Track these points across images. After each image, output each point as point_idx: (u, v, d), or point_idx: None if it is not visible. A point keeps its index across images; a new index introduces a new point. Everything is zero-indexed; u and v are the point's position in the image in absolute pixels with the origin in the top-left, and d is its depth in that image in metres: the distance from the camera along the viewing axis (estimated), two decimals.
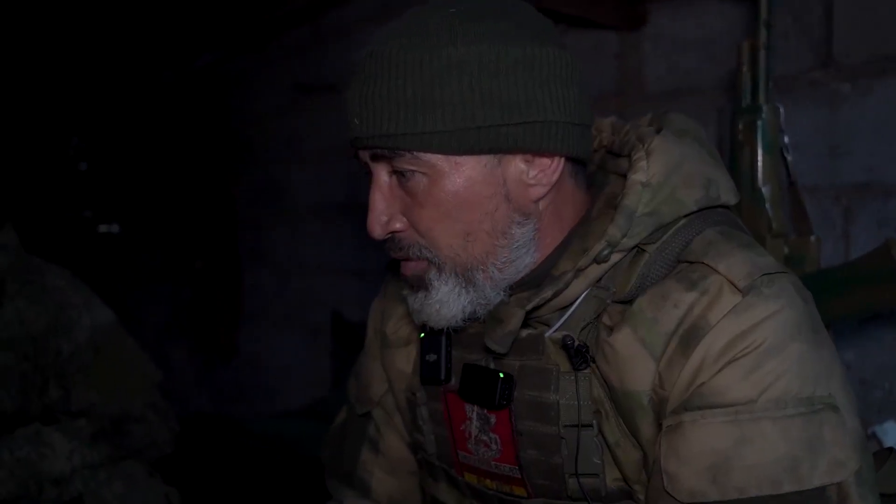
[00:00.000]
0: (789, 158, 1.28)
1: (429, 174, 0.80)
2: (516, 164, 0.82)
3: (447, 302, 0.84)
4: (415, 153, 0.79)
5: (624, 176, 0.91)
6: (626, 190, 0.81)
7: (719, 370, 0.73)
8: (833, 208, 1.71)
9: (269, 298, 4.06)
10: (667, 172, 0.81)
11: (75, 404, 1.58)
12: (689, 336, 0.74)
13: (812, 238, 1.26)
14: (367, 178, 0.87)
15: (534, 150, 0.81)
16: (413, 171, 0.81)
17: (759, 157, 1.25)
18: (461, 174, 0.80)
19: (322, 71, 3.51)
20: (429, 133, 0.77)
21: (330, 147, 3.52)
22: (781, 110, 1.26)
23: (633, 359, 0.77)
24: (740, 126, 1.27)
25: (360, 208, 3.34)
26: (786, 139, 1.27)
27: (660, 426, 0.77)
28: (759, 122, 1.25)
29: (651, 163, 0.81)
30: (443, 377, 0.94)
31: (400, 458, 1.12)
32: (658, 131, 0.87)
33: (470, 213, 0.81)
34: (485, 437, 0.91)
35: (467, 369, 0.90)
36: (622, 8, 2.05)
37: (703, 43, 1.97)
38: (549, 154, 0.82)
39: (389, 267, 1.13)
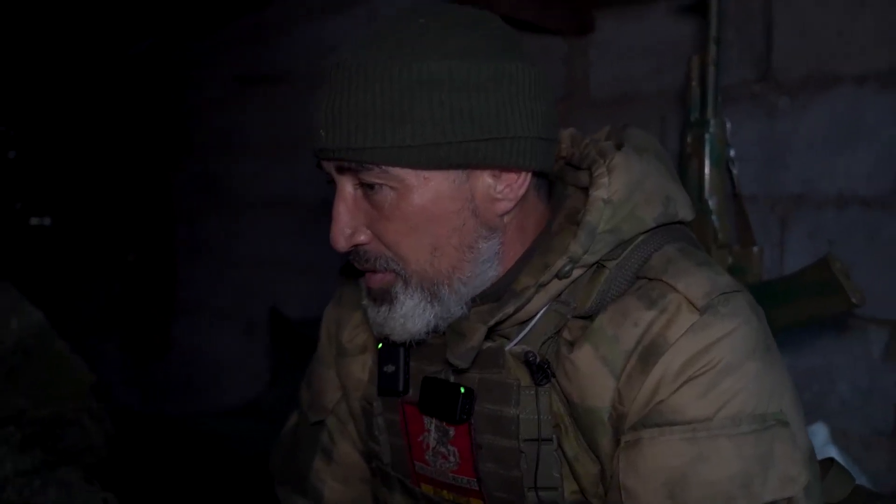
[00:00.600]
0: (734, 171, 1.32)
1: (397, 188, 0.79)
2: (484, 179, 0.82)
3: (412, 316, 0.83)
4: (383, 167, 0.78)
5: (583, 189, 0.92)
6: (588, 206, 0.82)
7: (678, 388, 0.74)
8: (770, 218, 1.78)
9: (204, 292, 3.98)
10: (628, 190, 0.82)
11: (3, 410, 1.51)
12: (648, 354, 0.76)
13: (755, 248, 1.30)
14: (331, 186, 0.86)
15: (502, 166, 0.81)
16: (381, 185, 0.79)
17: (707, 170, 1.29)
18: (429, 188, 0.79)
19: (265, 63, 3.44)
20: (398, 147, 0.76)
21: (271, 140, 3.46)
22: (728, 125, 1.30)
23: (594, 376, 0.78)
24: (689, 139, 1.30)
25: (301, 203, 3.31)
26: (732, 152, 1.32)
27: (618, 441, 0.78)
28: (707, 136, 1.29)
29: (613, 179, 0.82)
30: (401, 389, 0.93)
31: (353, 466, 1.11)
32: (618, 147, 0.88)
33: (437, 227, 0.81)
34: (443, 450, 0.91)
35: (427, 382, 0.89)
36: (571, 15, 2.08)
37: (649, 52, 2.01)
38: (517, 169, 0.83)
39: (343, 272, 1.11)
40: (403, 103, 0.75)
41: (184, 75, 4.06)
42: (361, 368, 1.03)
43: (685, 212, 0.87)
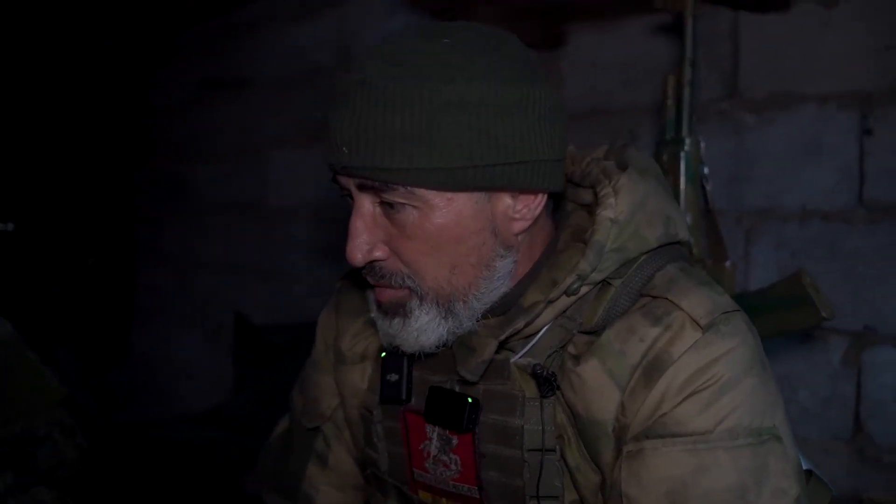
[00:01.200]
0: (708, 188, 1.37)
1: (420, 208, 0.80)
2: (504, 200, 0.84)
3: (426, 330, 0.84)
4: (408, 188, 0.79)
5: (584, 206, 0.95)
6: (596, 226, 0.84)
7: (680, 402, 0.77)
8: (736, 231, 1.84)
9: (167, 298, 3.92)
10: (632, 210, 0.85)
11: None
12: (653, 368, 0.79)
13: (727, 263, 1.35)
14: (346, 200, 0.87)
15: (523, 188, 0.83)
16: (403, 204, 0.80)
17: (682, 187, 1.33)
18: (453, 209, 0.80)
19: (231, 67, 3.42)
20: (425, 169, 0.77)
21: (237, 144, 3.44)
22: (702, 143, 1.35)
23: (601, 389, 0.81)
24: (664, 157, 1.35)
25: (266, 208, 3.29)
26: (705, 170, 1.36)
27: (620, 451, 0.81)
28: (683, 154, 1.33)
29: (619, 200, 0.85)
30: (404, 397, 0.94)
31: (347, 472, 1.12)
32: (621, 167, 0.91)
33: (458, 246, 0.82)
34: (444, 458, 0.92)
35: (434, 392, 0.91)
36: (544, 29, 2.12)
37: (619, 66, 2.06)
38: (535, 190, 0.85)
39: (345, 279, 1.12)
40: (432, 126, 0.76)
41: (149, 77, 4.00)
42: (360, 377, 1.04)
43: (683, 232, 0.90)
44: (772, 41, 1.78)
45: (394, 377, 0.94)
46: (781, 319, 1.22)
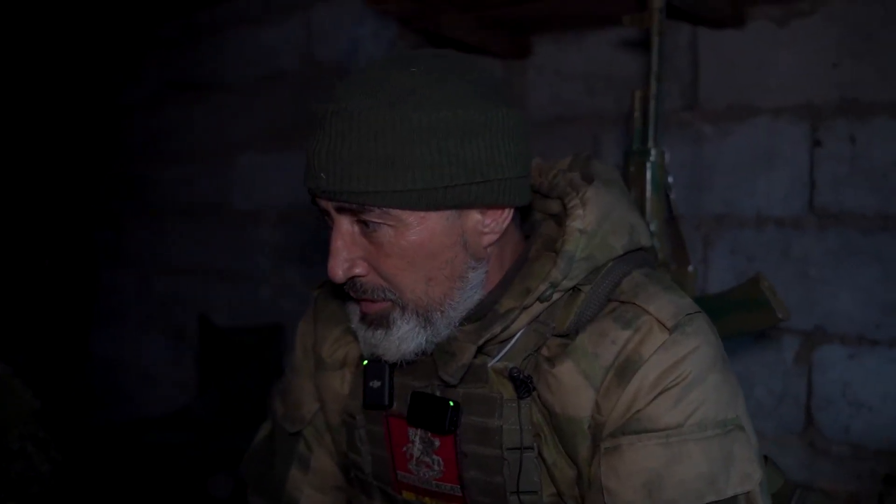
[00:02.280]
0: (672, 196, 1.44)
1: (395, 226, 0.86)
2: (473, 216, 0.90)
3: (407, 339, 0.90)
4: (384, 209, 0.85)
5: (552, 216, 1.02)
6: (566, 237, 0.91)
7: (652, 399, 0.84)
8: (694, 236, 1.93)
9: (128, 300, 3.88)
10: (599, 220, 0.92)
11: None
12: (625, 368, 0.86)
13: (690, 268, 1.43)
14: (324, 219, 0.92)
15: (491, 204, 0.90)
16: (380, 224, 0.86)
17: (648, 195, 1.40)
18: (426, 227, 0.87)
19: (195, 68, 3.41)
20: (399, 192, 0.83)
21: (201, 146, 3.43)
22: (667, 154, 1.42)
23: (576, 389, 0.87)
24: (631, 167, 1.42)
25: (231, 210, 3.28)
26: (670, 179, 1.44)
27: (596, 447, 0.87)
28: (649, 164, 1.40)
29: (587, 212, 0.92)
30: (386, 403, 1.00)
31: (329, 474, 1.17)
32: (585, 178, 0.98)
33: (432, 261, 0.88)
34: (427, 459, 0.98)
35: (416, 397, 0.96)
36: (511, 39, 2.18)
37: (584, 77, 2.14)
38: (502, 206, 0.91)
39: (322, 288, 1.17)
40: (405, 150, 0.82)
41: (112, 77, 3.95)
42: (341, 382, 1.09)
43: (646, 239, 0.98)
44: (729, 56, 1.87)
45: (376, 384, 1.00)
46: (740, 321, 1.30)
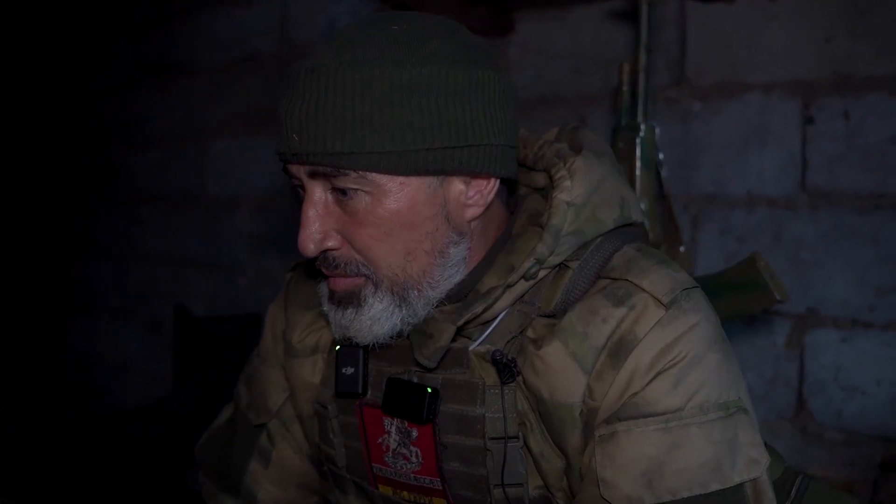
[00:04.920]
0: (663, 174, 1.38)
1: (372, 193, 0.79)
2: (456, 185, 0.83)
3: (380, 319, 0.83)
4: (360, 172, 0.77)
5: (538, 189, 0.95)
6: (553, 209, 0.84)
7: (650, 381, 0.78)
8: (683, 216, 1.87)
9: (102, 290, 3.78)
10: (589, 192, 0.85)
11: None
12: (619, 349, 0.79)
13: (682, 248, 1.37)
14: (296, 191, 0.85)
15: (475, 172, 0.83)
16: (356, 190, 0.79)
17: (638, 172, 1.34)
18: (405, 194, 0.80)
19: (168, 51, 3.30)
20: (377, 153, 0.76)
21: (174, 131, 3.33)
22: (657, 129, 1.36)
23: (565, 372, 0.81)
24: (620, 143, 1.36)
25: (207, 198, 3.20)
26: (660, 156, 1.38)
27: (587, 436, 0.81)
28: (639, 140, 1.34)
29: (575, 183, 0.85)
30: (360, 391, 0.93)
31: (290, 470, 1.10)
32: (575, 149, 0.91)
33: (411, 232, 0.81)
34: (404, 451, 0.91)
35: (392, 383, 0.89)
36: (491, 15, 2.11)
37: (569, 55, 2.07)
38: (487, 176, 0.84)
39: (294, 271, 1.10)
40: (384, 109, 0.75)
41: (82, 61, 3.83)
42: (311, 370, 1.02)
43: (637, 213, 0.91)
44: (718, 30, 1.81)
45: (349, 370, 0.93)
46: (735, 303, 1.24)
